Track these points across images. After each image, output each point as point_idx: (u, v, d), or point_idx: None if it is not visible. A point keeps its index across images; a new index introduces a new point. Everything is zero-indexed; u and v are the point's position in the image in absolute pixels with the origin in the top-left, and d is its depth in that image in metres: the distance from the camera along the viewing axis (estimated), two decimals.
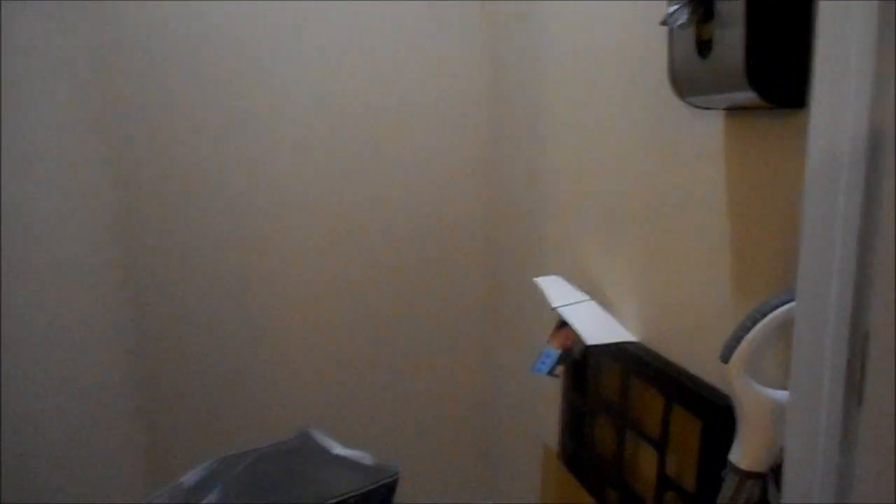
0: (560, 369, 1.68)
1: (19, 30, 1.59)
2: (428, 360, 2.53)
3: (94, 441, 1.85)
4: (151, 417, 2.27)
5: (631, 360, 1.50)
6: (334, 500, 1.29)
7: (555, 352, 1.71)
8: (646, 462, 1.49)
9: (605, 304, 1.66)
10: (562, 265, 1.89)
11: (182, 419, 2.31)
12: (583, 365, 1.75)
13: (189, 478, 1.38)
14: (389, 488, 1.39)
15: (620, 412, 1.56)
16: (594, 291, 1.71)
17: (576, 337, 1.62)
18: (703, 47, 1.07)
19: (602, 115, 1.63)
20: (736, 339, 0.94)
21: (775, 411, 0.95)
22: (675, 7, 1.06)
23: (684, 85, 1.16)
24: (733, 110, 1.15)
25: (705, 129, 1.23)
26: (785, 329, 0.89)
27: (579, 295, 1.73)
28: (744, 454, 1.01)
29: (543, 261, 2.03)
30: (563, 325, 1.72)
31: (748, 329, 0.93)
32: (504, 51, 2.30)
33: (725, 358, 0.95)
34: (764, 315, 0.92)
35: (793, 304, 0.85)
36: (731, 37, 0.99)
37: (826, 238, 0.79)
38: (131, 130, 2.17)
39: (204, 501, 1.36)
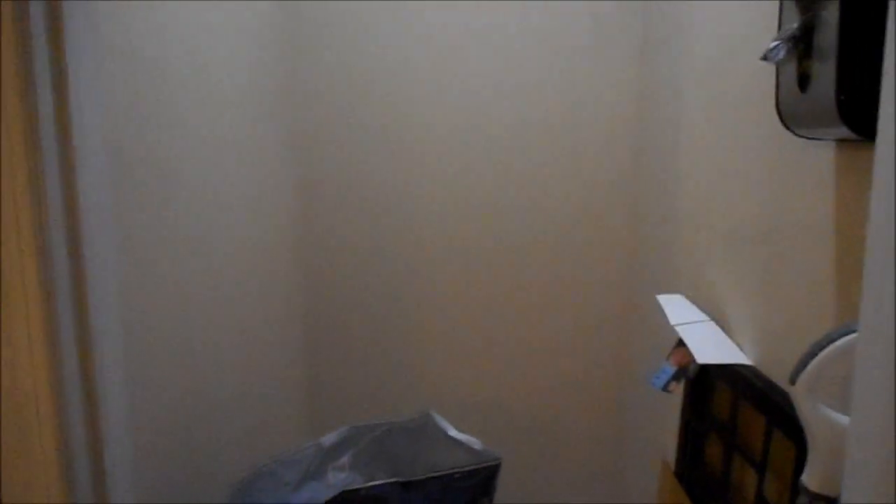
0: (674, 385, 1.73)
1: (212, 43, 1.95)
2: (563, 363, 2.65)
3: (272, 402, 2.19)
4: (312, 382, 2.61)
5: (741, 382, 1.53)
6: (441, 474, 1.47)
7: (671, 368, 1.76)
8: (748, 483, 1.51)
9: (723, 325, 1.69)
10: (687, 285, 1.93)
11: (335, 388, 2.63)
12: (701, 384, 1.78)
13: (327, 439, 1.62)
14: (492, 471, 1.54)
15: (729, 433, 1.59)
16: (714, 312, 1.74)
17: (692, 356, 1.66)
18: (804, 81, 1.11)
19: (727, 144, 1.66)
20: (803, 363, 0.98)
21: (842, 434, 0.97)
22: (776, 43, 1.12)
23: (789, 118, 1.20)
24: (842, 141, 1.17)
25: (816, 160, 1.25)
26: (849, 356, 0.92)
27: (699, 315, 1.76)
28: (813, 476, 1.04)
29: (671, 280, 2.07)
30: (681, 343, 1.76)
31: (815, 354, 0.97)
32: (649, 77, 2.36)
33: (793, 380, 1.00)
34: (831, 341, 0.95)
35: (855, 334, 0.88)
36: (825, 72, 1.03)
37: (886, 270, 0.83)
38: (315, 142, 2.52)
39: (338, 462, 1.60)
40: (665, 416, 2.12)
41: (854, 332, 0.95)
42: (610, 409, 2.67)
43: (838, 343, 0.96)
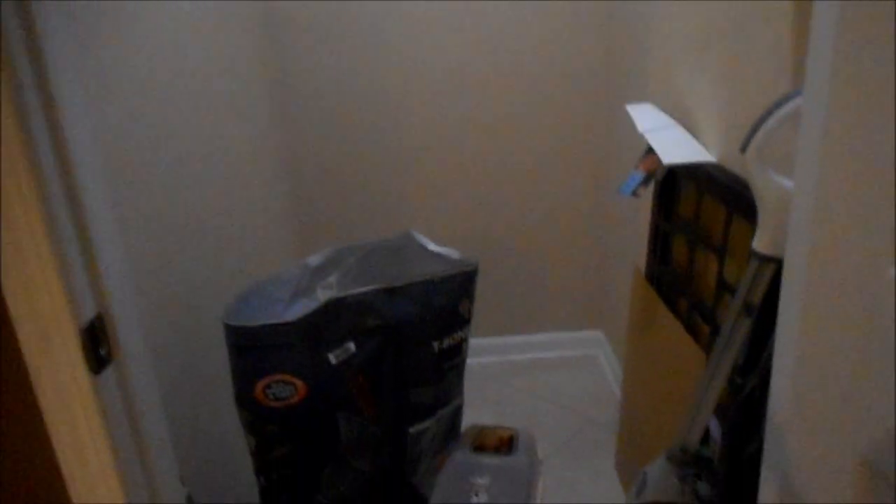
0: (642, 190, 1.79)
1: None
2: (541, 181, 2.73)
3: (260, 221, 2.27)
4: (299, 209, 2.69)
5: (705, 179, 1.59)
6: (423, 279, 1.56)
7: (639, 174, 1.81)
8: (710, 271, 1.62)
9: (690, 128, 1.73)
10: (657, 93, 1.95)
11: (320, 218, 2.73)
12: (668, 188, 1.86)
13: (313, 259, 1.70)
14: (471, 275, 1.64)
15: (693, 228, 1.68)
16: (682, 117, 1.78)
17: (660, 161, 1.72)
18: None
19: None
20: (753, 130, 1.03)
21: (788, 197, 1.04)
22: None
23: None
24: None
25: None
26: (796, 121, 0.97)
27: (667, 121, 1.80)
28: (762, 239, 1.12)
29: (642, 89, 2.09)
30: (651, 150, 1.81)
31: (764, 119, 1.02)
32: None
33: (743, 147, 1.05)
34: (778, 107, 1.00)
35: (801, 97, 0.93)
36: None
37: (826, 35, 0.85)
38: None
39: (326, 281, 1.68)
40: (637, 225, 2.21)
41: (800, 94, 0.99)
42: (588, 225, 2.78)
43: (785, 107, 1.01)
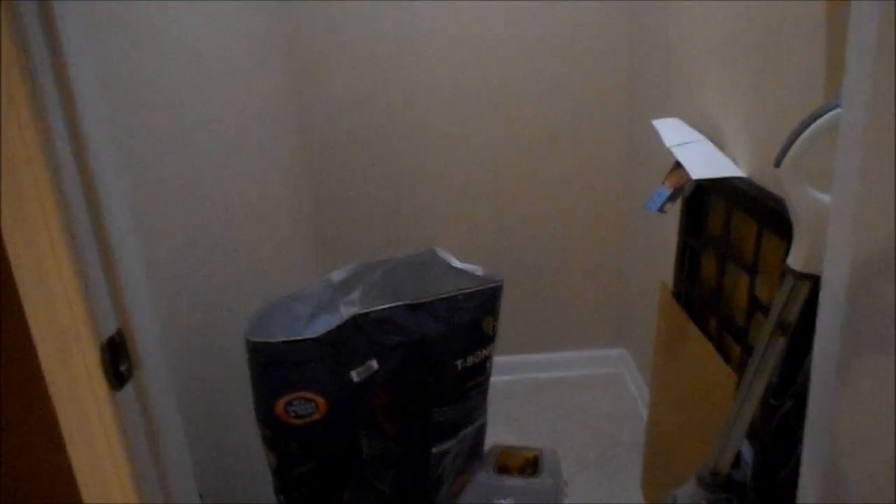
0: (669, 206, 1.76)
1: None
2: (566, 198, 2.70)
3: (282, 236, 2.27)
4: (321, 224, 2.69)
5: (734, 194, 1.56)
6: (447, 295, 1.54)
7: (666, 190, 1.78)
8: (740, 287, 1.58)
9: (718, 142, 1.70)
10: (683, 108, 1.92)
11: (343, 232, 2.73)
12: (696, 204, 1.82)
13: (337, 274, 1.68)
14: (495, 291, 1.61)
15: (723, 245, 1.64)
16: (709, 131, 1.74)
17: (688, 176, 1.68)
18: None
19: None
20: (788, 143, 1.00)
21: (824, 212, 1.01)
22: None
23: None
24: None
25: None
26: (833, 133, 0.93)
27: (694, 135, 1.77)
28: (797, 256, 1.08)
29: (668, 104, 2.06)
30: (678, 165, 1.78)
31: (799, 133, 0.98)
32: None
33: (778, 162, 1.02)
34: (814, 119, 0.97)
35: (839, 109, 0.90)
36: None
37: (870, 48, 0.83)
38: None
39: (349, 297, 1.67)
40: (663, 241, 2.18)
41: (837, 107, 0.96)
42: (612, 242, 2.75)
43: (821, 120, 0.97)
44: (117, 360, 0.92)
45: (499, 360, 1.77)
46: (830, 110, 0.96)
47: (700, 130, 1.79)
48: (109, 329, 0.92)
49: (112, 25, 1.25)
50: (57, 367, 0.79)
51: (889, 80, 0.77)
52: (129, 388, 0.95)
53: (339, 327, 1.46)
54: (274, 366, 1.47)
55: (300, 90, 2.54)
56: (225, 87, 1.81)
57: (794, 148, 1.00)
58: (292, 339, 1.45)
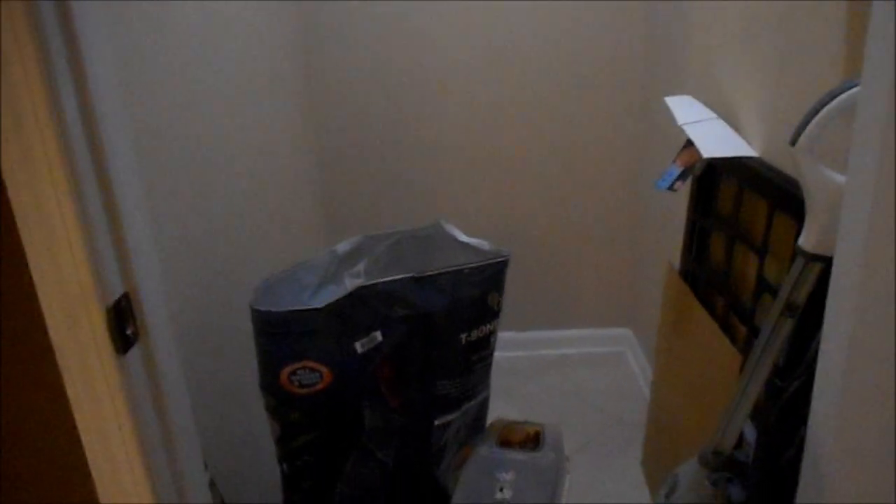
0: (679, 185, 1.74)
1: None
2: (575, 175, 2.69)
3: (289, 207, 2.26)
4: (329, 197, 2.68)
5: (746, 173, 1.54)
6: (453, 269, 1.53)
7: (676, 169, 1.76)
8: (749, 268, 1.57)
9: (731, 122, 1.67)
10: (696, 85, 1.90)
11: (350, 205, 2.72)
12: (707, 183, 1.80)
13: (341, 246, 1.68)
14: (501, 266, 1.60)
15: (732, 225, 1.63)
16: (722, 110, 1.72)
17: (699, 155, 1.66)
18: None
19: None
20: (805, 122, 0.98)
21: (839, 193, 0.99)
22: None
23: None
24: None
25: None
26: (851, 113, 0.92)
27: (707, 113, 1.75)
28: (809, 237, 1.07)
29: (681, 81, 2.04)
30: (689, 143, 1.76)
31: (816, 112, 0.97)
32: None
33: (794, 140, 1.00)
34: (831, 98, 0.95)
35: (857, 88, 0.88)
36: None
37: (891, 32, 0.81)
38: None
39: (354, 269, 1.66)
40: (672, 220, 2.16)
41: (856, 86, 0.94)
42: (621, 221, 2.73)
43: (839, 99, 0.96)
44: (123, 323, 0.92)
45: (503, 335, 1.77)
46: (848, 89, 0.94)
47: (713, 109, 1.76)
48: (116, 292, 0.92)
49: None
50: (63, 328, 0.79)
51: None
52: (134, 353, 0.95)
53: (343, 298, 1.46)
54: (279, 335, 1.47)
55: (309, 63, 2.52)
56: (238, 66, 1.80)
57: (811, 127, 0.98)
58: (297, 308, 1.45)
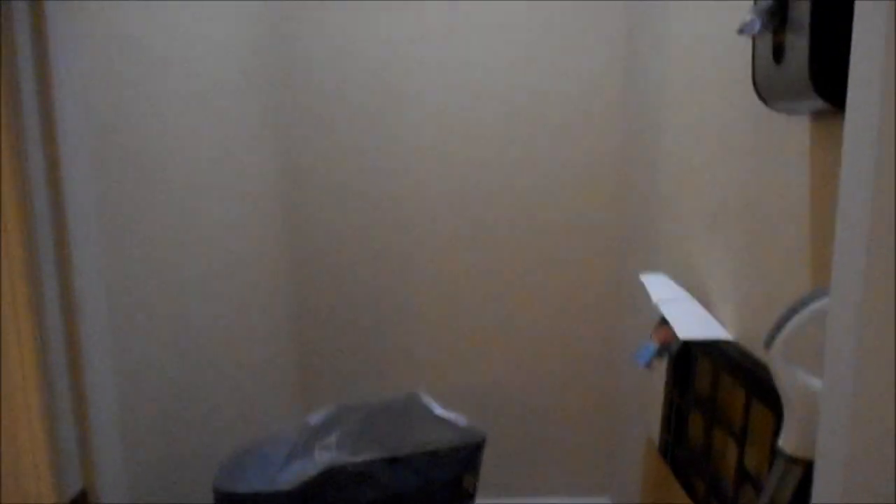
0: (657, 362, 1.75)
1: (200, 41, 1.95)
2: (551, 345, 2.68)
3: (263, 378, 2.21)
4: (301, 364, 2.62)
5: (722, 357, 1.55)
6: (427, 450, 1.48)
7: (654, 346, 1.78)
8: (729, 455, 1.54)
9: (704, 302, 1.71)
10: (670, 264, 1.95)
11: (324, 371, 2.66)
12: (683, 361, 1.81)
13: (314, 417, 1.63)
14: (477, 448, 1.56)
15: (710, 407, 1.61)
16: (696, 289, 1.76)
17: (675, 333, 1.68)
18: (779, 53, 1.13)
19: (707, 122, 1.69)
20: (778, 327, 1.00)
21: (816, 398, 0.99)
22: (752, 17, 1.14)
23: (765, 91, 1.22)
24: (816, 115, 1.19)
25: (791, 134, 1.27)
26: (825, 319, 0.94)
27: (681, 292, 1.79)
28: (788, 439, 1.06)
29: (655, 259, 2.10)
30: (665, 320, 1.78)
31: (789, 318, 0.99)
32: (635, 58, 2.38)
33: (768, 344, 1.02)
34: (804, 305, 0.98)
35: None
36: (799, 43, 1.05)
37: (858, 238, 0.85)
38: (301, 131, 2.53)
39: (325, 441, 1.61)
40: (650, 395, 2.14)
41: (824, 296, 0.97)
42: (598, 389, 2.71)
43: (812, 306, 0.98)
44: None
45: (481, 502, 1.69)
46: (819, 297, 0.97)
47: (687, 287, 1.81)
48: (73, 490, 0.87)
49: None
50: None
51: (882, 279, 0.78)
52: None
53: (313, 479, 1.40)
54: None
55: (287, 218, 2.58)
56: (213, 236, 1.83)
57: (785, 332, 1.00)
58: (262, 490, 1.38)
